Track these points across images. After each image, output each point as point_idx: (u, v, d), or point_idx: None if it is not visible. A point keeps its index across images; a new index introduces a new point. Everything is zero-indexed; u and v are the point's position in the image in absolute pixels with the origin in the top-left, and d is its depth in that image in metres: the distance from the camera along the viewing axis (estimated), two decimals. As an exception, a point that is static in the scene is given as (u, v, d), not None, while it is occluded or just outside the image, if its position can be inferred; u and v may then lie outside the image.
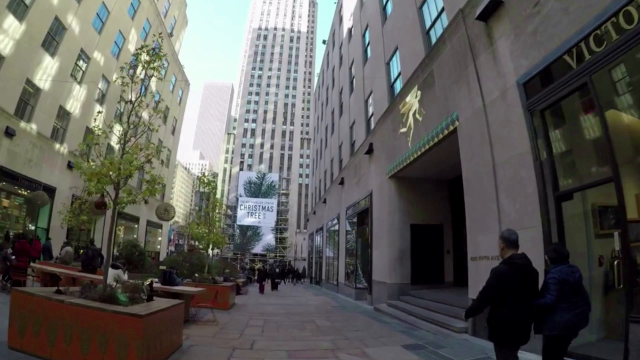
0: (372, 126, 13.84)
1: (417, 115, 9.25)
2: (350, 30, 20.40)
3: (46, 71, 15.03)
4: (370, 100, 15.07)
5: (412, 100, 9.69)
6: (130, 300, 4.72)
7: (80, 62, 17.78)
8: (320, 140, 30.02)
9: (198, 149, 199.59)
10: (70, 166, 16.09)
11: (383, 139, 11.90)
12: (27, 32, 13.54)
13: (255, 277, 21.91)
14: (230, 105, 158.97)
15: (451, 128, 7.50)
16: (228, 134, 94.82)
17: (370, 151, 12.94)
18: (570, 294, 2.98)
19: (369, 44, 15.96)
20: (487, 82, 6.46)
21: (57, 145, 16.36)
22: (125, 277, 7.51)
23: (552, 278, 3.01)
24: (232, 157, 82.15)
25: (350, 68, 19.52)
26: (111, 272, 7.34)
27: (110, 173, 4.77)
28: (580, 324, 3.02)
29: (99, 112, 5.47)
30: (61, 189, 16.08)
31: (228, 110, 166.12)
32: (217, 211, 11.61)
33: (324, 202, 23.83)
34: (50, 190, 15.14)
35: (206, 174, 11.75)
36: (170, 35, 33.85)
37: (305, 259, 43.87)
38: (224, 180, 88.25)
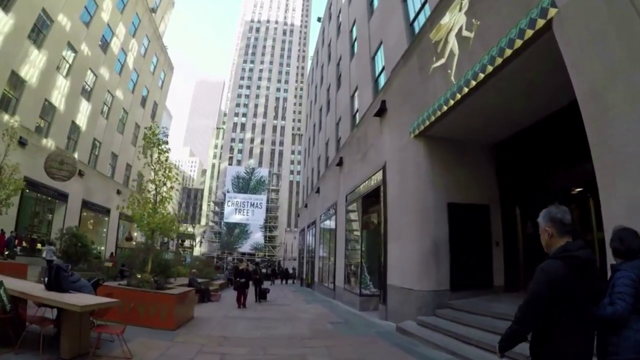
0: (383, 83, 10.63)
1: (466, 32, 6.04)
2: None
3: None
4: (378, 55, 11.88)
5: (454, 17, 6.52)
6: None
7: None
8: (314, 125, 26.72)
9: (188, 146, 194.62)
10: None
11: (403, 87, 8.64)
12: None
13: (236, 279, 16.23)
14: (222, 101, 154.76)
15: (541, 23, 4.32)
16: (217, 128, 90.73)
17: (382, 111, 9.67)
18: None
19: (375, -10, 13.04)
20: None
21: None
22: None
23: (624, 278, 1.94)
24: (221, 153, 78.28)
25: (351, 31, 16.46)
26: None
27: None
28: None
29: None
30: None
31: (219, 106, 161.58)
32: (167, 183, 7.71)
33: (317, 191, 20.48)
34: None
35: (153, 129, 7.97)
36: (153, 11, 30.76)
37: (295, 259, 40.57)
38: (212, 177, 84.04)
